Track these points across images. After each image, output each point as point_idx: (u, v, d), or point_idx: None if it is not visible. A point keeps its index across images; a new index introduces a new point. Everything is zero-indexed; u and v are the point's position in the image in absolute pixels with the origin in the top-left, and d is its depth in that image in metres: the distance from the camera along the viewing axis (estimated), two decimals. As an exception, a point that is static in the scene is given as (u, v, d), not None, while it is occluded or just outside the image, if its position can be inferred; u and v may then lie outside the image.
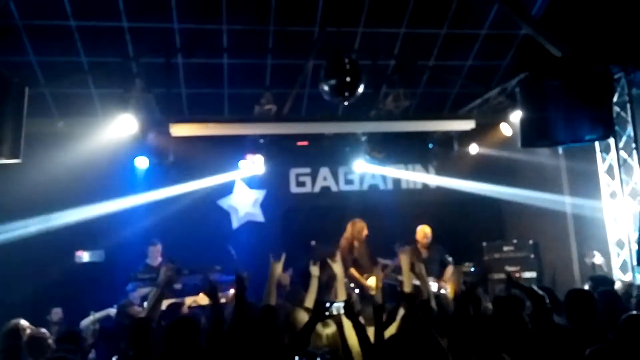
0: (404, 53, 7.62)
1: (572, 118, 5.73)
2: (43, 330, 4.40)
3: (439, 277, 7.26)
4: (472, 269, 8.26)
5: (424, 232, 7.49)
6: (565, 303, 3.88)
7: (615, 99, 6.55)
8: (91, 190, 7.41)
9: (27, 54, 6.74)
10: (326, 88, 5.21)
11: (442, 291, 7.01)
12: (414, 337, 3.28)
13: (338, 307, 3.49)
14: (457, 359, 3.35)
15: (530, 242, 8.27)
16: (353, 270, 7.07)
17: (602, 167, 7.16)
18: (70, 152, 6.66)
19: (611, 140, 6.83)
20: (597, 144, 7.04)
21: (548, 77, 5.96)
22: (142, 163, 7.40)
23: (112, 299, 6.33)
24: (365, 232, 7.31)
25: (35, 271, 7.18)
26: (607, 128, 5.86)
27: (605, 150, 7.10)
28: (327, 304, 3.53)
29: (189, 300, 6.36)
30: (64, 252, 7.68)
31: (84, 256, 7.73)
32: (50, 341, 4.22)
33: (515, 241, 8.39)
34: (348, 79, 5.11)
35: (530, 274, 7.91)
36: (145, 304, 6.04)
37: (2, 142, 4.83)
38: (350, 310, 3.51)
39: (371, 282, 6.94)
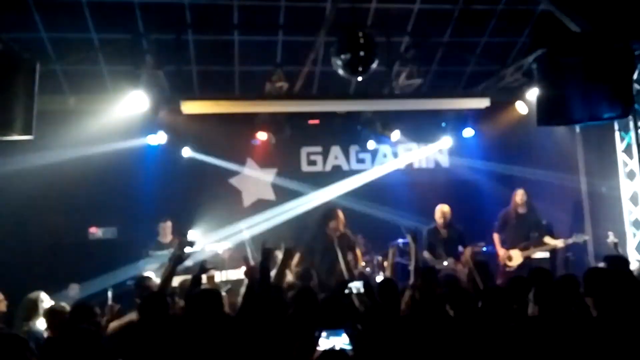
0: (418, 30, 7.47)
1: (590, 96, 5.60)
2: (62, 304, 4.46)
3: (457, 257, 7.24)
4: (484, 249, 8.23)
5: (442, 211, 7.44)
6: (583, 283, 3.82)
7: (635, 76, 6.37)
8: (103, 167, 7.42)
9: (37, 30, 6.70)
10: (339, 63, 5.11)
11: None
12: (426, 313, 3.27)
13: (358, 286, 3.55)
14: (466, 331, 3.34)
15: (544, 222, 8.18)
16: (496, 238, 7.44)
17: (620, 146, 7.04)
18: (82, 129, 6.66)
19: (630, 119, 6.69)
20: (615, 122, 6.91)
21: (566, 54, 5.82)
22: (153, 140, 7.39)
23: (124, 275, 6.39)
24: (519, 201, 7.50)
25: (49, 247, 7.26)
26: (627, 106, 5.72)
27: (624, 128, 6.97)
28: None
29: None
30: (77, 229, 7.76)
31: (97, 233, 7.81)
32: (68, 315, 4.27)
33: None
34: (362, 54, 5.01)
35: (543, 254, 7.82)
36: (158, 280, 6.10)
37: (14, 118, 4.83)
38: (369, 289, 3.54)
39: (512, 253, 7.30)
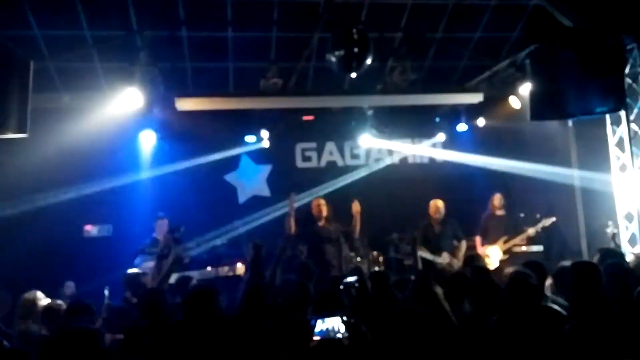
0: (411, 25, 7.49)
1: (583, 90, 5.67)
2: (58, 301, 4.46)
3: (452, 252, 7.30)
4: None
5: (436, 206, 7.49)
6: (570, 275, 3.87)
7: (626, 70, 6.42)
8: (98, 164, 7.41)
9: (30, 27, 6.67)
10: (333, 59, 5.14)
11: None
12: (424, 308, 3.30)
13: (353, 282, 3.61)
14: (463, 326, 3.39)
15: (538, 215, 8.24)
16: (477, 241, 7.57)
17: (612, 140, 7.09)
18: (76, 126, 6.64)
19: (622, 113, 6.73)
20: (607, 116, 6.96)
21: (559, 49, 5.88)
22: (148, 137, 7.38)
23: (120, 273, 6.38)
24: (497, 204, 7.69)
25: (44, 245, 7.23)
26: (619, 100, 5.79)
27: (616, 122, 7.02)
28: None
29: (196, 274, 6.43)
30: (72, 227, 7.75)
31: (92, 230, 7.80)
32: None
33: (522, 215, 8.36)
34: (356, 50, 5.03)
35: (537, 248, 7.89)
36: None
37: (8, 116, 4.82)
38: (363, 285, 3.59)
39: (489, 252, 7.34)
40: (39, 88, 5.23)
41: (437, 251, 7.35)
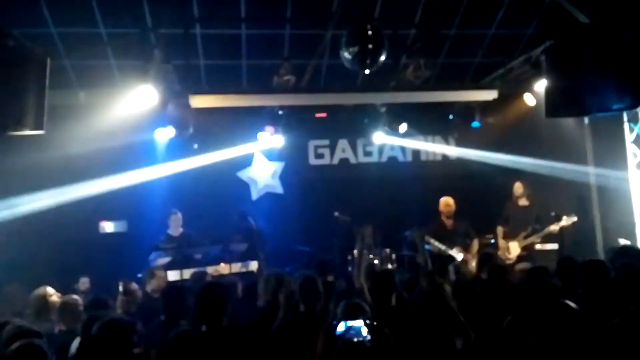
0: (425, 22, 7.45)
1: (599, 87, 5.58)
2: (75, 296, 4.51)
3: (465, 248, 7.31)
4: (492, 241, 8.24)
5: (446, 202, 7.56)
6: (580, 274, 3.84)
7: (644, 66, 6.33)
8: (113, 161, 7.47)
9: (47, 25, 6.74)
10: (347, 56, 5.12)
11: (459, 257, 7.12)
12: (433, 309, 3.29)
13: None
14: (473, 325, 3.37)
15: (553, 213, 8.18)
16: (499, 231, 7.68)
17: (629, 137, 7.02)
18: (92, 123, 6.70)
19: (639, 110, 6.66)
20: (624, 113, 6.89)
21: (575, 45, 5.79)
22: (162, 134, 7.43)
23: (135, 268, 6.45)
24: (517, 193, 7.75)
25: (60, 241, 7.32)
26: (636, 97, 5.68)
27: (633, 119, 6.95)
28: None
29: (210, 270, 6.48)
30: (88, 223, 7.83)
31: (108, 226, 7.88)
32: (81, 308, 4.33)
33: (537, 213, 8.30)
34: (370, 46, 5.01)
35: (551, 246, 7.83)
36: (169, 273, 6.19)
37: (25, 113, 4.85)
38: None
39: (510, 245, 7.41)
40: (55, 85, 5.26)
41: (449, 247, 7.37)
